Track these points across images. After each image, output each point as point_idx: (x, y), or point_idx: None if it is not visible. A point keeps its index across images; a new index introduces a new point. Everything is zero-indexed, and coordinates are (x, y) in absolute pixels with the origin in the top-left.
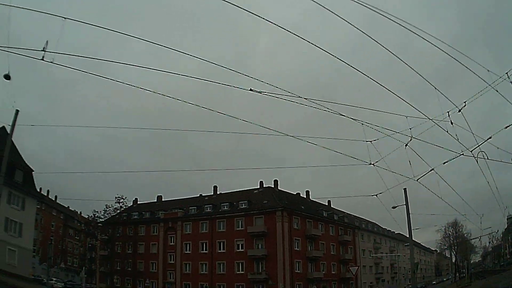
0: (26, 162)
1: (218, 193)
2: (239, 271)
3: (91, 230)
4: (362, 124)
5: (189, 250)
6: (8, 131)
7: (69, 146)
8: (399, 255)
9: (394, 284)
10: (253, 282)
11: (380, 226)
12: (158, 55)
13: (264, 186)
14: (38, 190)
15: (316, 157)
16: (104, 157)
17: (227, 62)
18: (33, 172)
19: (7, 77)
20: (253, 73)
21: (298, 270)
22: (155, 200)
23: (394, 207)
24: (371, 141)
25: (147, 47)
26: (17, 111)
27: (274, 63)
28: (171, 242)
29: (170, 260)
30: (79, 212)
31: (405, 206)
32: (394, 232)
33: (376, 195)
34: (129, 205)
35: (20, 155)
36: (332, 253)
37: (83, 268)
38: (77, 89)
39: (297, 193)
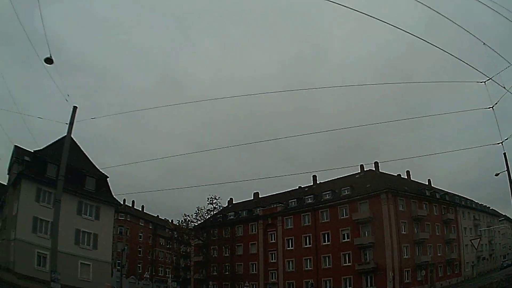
0: (99, 169)
1: (318, 182)
2: (345, 263)
3: (183, 236)
4: None
5: (291, 246)
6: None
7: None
8: (497, 230)
9: (491, 261)
10: (361, 273)
11: (477, 202)
12: (234, 58)
13: (364, 170)
14: (122, 202)
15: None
16: (193, 165)
17: (305, 56)
18: (107, 179)
19: (48, 60)
20: (332, 63)
21: (406, 255)
22: (252, 198)
23: (497, 175)
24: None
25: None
26: (75, 107)
27: (352, 49)
28: (271, 240)
29: (272, 259)
30: (170, 220)
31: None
32: (489, 207)
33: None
34: (223, 206)
35: (91, 162)
36: (437, 234)
37: (170, 276)
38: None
39: (397, 175)
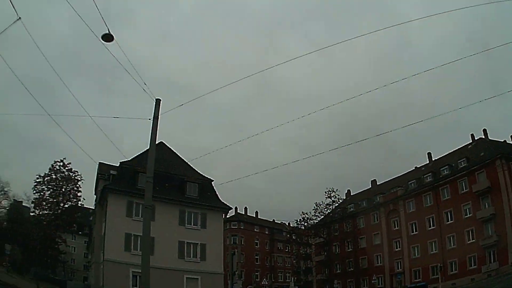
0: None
1: (433, 160)
2: (469, 240)
3: (302, 237)
4: None
5: (415, 231)
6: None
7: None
8: None
9: None
10: (485, 248)
11: None
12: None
13: (475, 138)
14: (234, 209)
15: None
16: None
17: (391, 46)
18: (213, 182)
19: (107, 37)
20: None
21: None
22: (370, 186)
23: None
24: None
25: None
26: (158, 100)
27: (434, 29)
28: (394, 227)
29: (396, 248)
30: (287, 223)
31: None
32: None
33: None
34: (341, 199)
35: (193, 168)
36: None
37: (292, 280)
38: None
39: (503, 141)
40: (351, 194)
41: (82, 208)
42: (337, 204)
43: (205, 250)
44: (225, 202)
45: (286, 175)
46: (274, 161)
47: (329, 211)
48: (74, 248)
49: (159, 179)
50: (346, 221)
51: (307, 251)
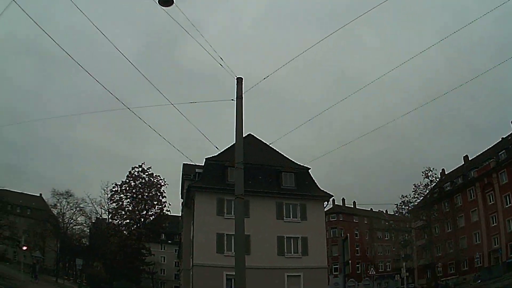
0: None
1: None
2: None
3: (400, 223)
4: None
5: (510, 203)
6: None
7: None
8: None
9: None
10: None
11: None
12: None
13: None
14: (332, 201)
15: None
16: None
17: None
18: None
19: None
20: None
21: None
22: (463, 162)
23: None
24: None
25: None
26: (239, 79)
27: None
28: (490, 201)
29: (493, 223)
30: (384, 211)
31: None
32: None
33: None
34: (438, 178)
35: (288, 158)
36: None
37: (403, 264)
38: None
39: None
40: (445, 172)
41: (170, 216)
42: (434, 184)
43: (307, 244)
44: (324, 190)
45: (378, 166)
46: (362, 154)
47: (427, 191)
48: (164, 258)
49: (251, 171)
50: (444, 201)
51: (406, 237)
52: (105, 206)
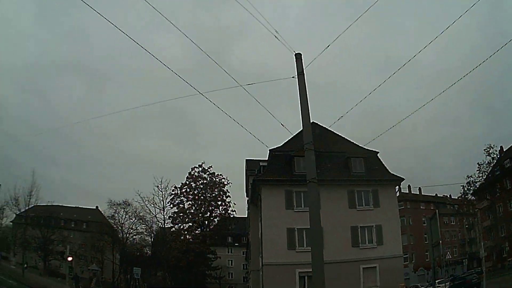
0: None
1: None
2: None
3: (463, 208)
4: None
5: None
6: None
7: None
8: None
9: None
10: None
11: None
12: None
13: None
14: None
15: None
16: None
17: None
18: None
19: None
20: None
21: None
22: None
23: None
24: None
25: None
26: (298, 54)
27: None
28: None
29: None
30: (448, 195)
31: None
32: None
33: None
34: (499, 156)
35: (354, 143)
36: None
37: (482, 244)
38: None
39: None
40: (504, 150)
41: (236, 218)
42: (495, 162)
43: (381, 232)
44: (395, 174)
45: (439, 151)
46: (422, 140)
47: (489, 169)
48: (231, 261)
49: (319, 159)
50: (506, 178)
51: (470, 222)
52: (163, 210)
